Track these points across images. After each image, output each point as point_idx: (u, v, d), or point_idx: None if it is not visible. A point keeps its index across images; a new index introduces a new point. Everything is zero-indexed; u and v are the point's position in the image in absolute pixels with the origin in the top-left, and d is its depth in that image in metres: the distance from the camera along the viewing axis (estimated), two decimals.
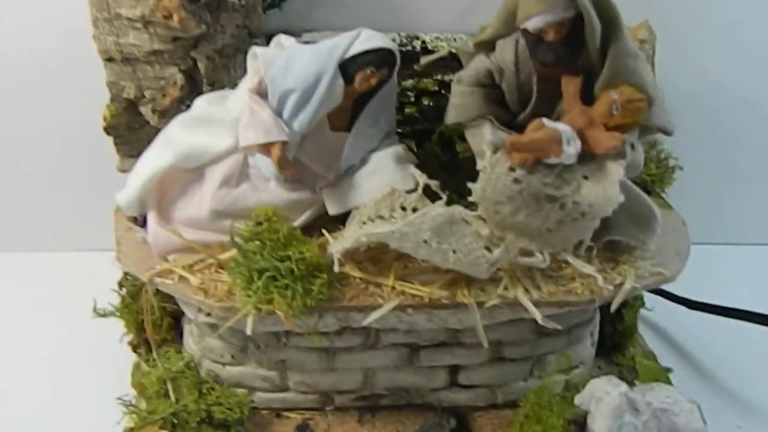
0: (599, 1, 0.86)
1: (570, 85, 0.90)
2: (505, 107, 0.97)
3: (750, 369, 1.25)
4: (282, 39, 1.03)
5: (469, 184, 0.90)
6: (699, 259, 1.35)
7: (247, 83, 1.01)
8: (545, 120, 0.89)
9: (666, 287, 1.30)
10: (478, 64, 0.97)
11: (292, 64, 0.96)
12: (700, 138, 1.50)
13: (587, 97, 0.90)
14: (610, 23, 0.87)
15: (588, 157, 0.88)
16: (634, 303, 1.18)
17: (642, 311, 1.30)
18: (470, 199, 0.91)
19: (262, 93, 0.97)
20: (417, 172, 0.97)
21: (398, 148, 1.04)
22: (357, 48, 0.95)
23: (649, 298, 1.28)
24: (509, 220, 0.90)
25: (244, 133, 0.95)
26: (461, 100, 0.97)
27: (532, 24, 0.87)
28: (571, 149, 0.86)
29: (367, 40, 0.96)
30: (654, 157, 1.18)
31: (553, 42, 0.88)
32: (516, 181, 0.88)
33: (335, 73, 0.94)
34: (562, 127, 0.87)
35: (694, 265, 1.21)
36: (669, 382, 1.15)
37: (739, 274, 1.51)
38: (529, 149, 0.87)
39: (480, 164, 0.90)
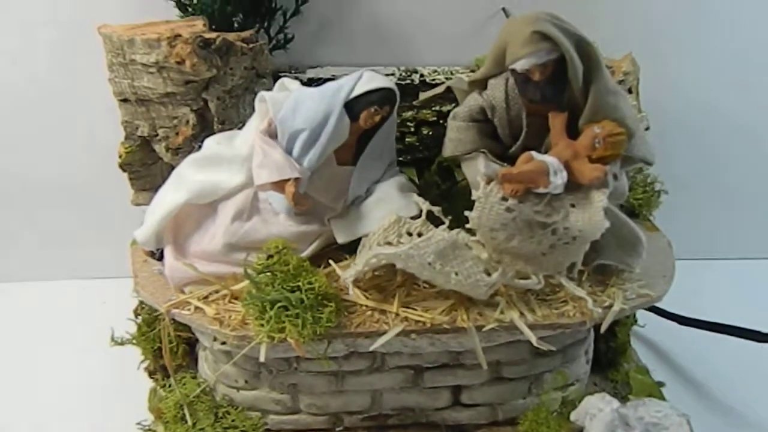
0: (580, 44, 0.92)
1: (556, 121, 0.96)
2: (498, 140, 1.02)
3: (738, 381, 1.29)
4: (286, 82, 1.09)
5: (466, 213, 0.95)
6: (689, 275, 1.40)
7: (255, 124, 1.06)
8: (534, 153, 0.94)
9: (658, 304, 1.37)
10: (472, 101, 1.03)
11: (301, 106, 1.01)
12: (688, 157, 1.56)
13: (572, 131, 0.96)
14: (591, 64, 0.93)
15: (574, 186, 0.94)
16: (626, 321, 1.23)
17: (636, 328, 1.34)
18: (468, 226, 0.96)
19: (272, 134, 1.02)
20: (420, 200, 1.02)
21: (401, 178, 1.10)
22: (360, 88, 1.01)
23: (642, 315, 1.33)
24: (504, 245, 0.96)
25: (258, 173, 1.00)
26: (457, 135, 1.03)
27: (520, 65, 0.93)
28: (558, 180, 0.92)
29: (369, 80, 1.02)
30: (641, 181, 1.23)
31: (539, 81, 0.93)
32: (508, 209, 0.93)
33: (341, 113, 1.00)
34: (549, 159, 0.93)
35: (684, 281, 1.26)
36: (662, 396, 1.20)
37: (728, 289, 1.55)
38: (519, 180, 0.92)
39: (475, 194, 0.95)
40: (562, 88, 0.94)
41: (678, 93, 1.48)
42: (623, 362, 1.24)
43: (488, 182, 0.94)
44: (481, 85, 1.03)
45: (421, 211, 1.02)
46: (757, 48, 1.48)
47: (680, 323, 1.34)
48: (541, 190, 0.93)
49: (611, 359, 1.22)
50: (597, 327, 1.13)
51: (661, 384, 1.25)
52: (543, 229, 0.94)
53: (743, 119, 1.55)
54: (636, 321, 1.30)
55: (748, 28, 1.46)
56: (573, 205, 0.94)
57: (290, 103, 1.02)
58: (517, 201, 0.93)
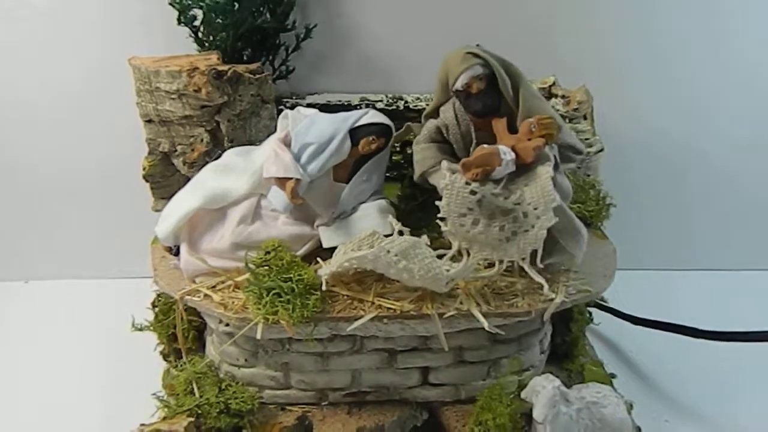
0: (504, 64, 1.10)
1: (499, 124, 1.11)
2: (456, 157, 1.16)
3: (679, 372, 1.41)
4: (301, 109, 1.25)
5: (436, 202, 1.07)
6: (643, 283, 1.56)
7: (275, 135, 1.20)
8: (485, 145, 1.09)
9: (614, 306, 1.49)
10: (429, 125, 1.18)
11: (315, 124, 1.17)
12: (640, 176, 1.69)
13: (513, 132, 1.11)
14: (515, 76, 1.10)
15: (523, 169, 1.07)
16: (580, 318, 1.32)
17: (596, 327, 1.47)
18: (438, 216, 1.07)
19: (286, 143, 1.17)
20: (394, 221, 1.14)
21: (382, 202, 1.22)
22: (364, 120, 1.17)
23: (600, 316, 1.47)
24: (472, 232, 1.06)
25: (268, 167, 1.13)
26: (421, 155, 1.17)
27: (460, 82, 1.09)
28: (508, 157, 1.06)
29: (372, 116, 1.19)
30: (594, 196, 1.35)
31: (477, 93, 1.10)
32: (472, 192, 1.05)
33: (345, 136, 1.16)
34: (498, 146, 1.08)
35: (638, 288, 1.41)
36: (611, 385, 1.28)
37: (674, 296, 1.68)
38: (477, 164, 1.06)
39: (442, 184, 1.07)
40: (497, 98, 1.11)
41: (630, 118, 1.61)
42: (578, 355, 1.33)
43: (453, 173, 1.07)
44: (433, 115, 1.19)
45: (393, 230, 1.12)
46: (701, 76, 1.61)
47: (633, 323, 1.47)
48: (497, 172, 1.06)
49: (566, 351, 1.32)
50: (555, 322, 1.28)
51: (612, 376, 1.35)
52: (504, 216, 1.06)
53: (689, 141, 1.67)
54: (592, 320, 1.42)
55: (692, 59, 1.59)
56: (526, 185, 1.06)
57: (307, 122, 1.19)
58: (478, 184, 1.06)
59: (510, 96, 1.10)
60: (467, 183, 1.07)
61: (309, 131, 1.17)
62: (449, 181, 1.07)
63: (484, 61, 1.09)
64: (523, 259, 1.09)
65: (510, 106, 1.11)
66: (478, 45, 1.48)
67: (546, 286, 1.09)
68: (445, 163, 1.12)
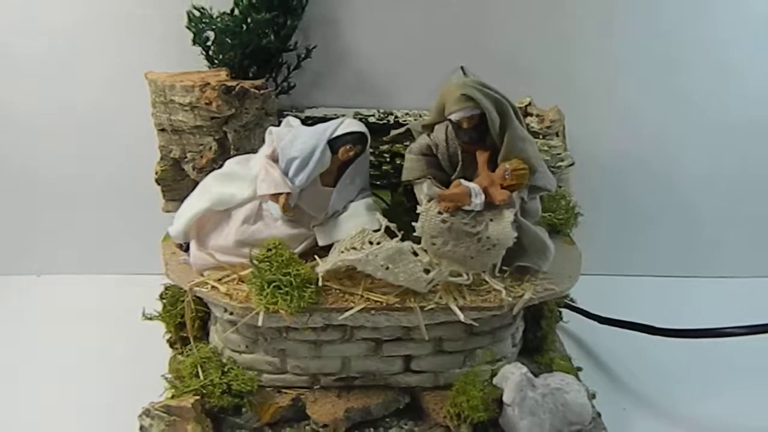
0: (497, 103, 1.19)
1: (481, 157, 1.20)
2: (442, 170, 1.26)
3: (637, 365, 1.52)
4: (290, 120, 1.34)
5: (413, 223, 1.17)
6: (608, 287, 1.68)
7: (264, 151, 1.30)
8: (462, 180, 1.20)
9: (582, 306, 1.61)
10: (422, 140, 1.28)
11: (297, 140, 1.25)
12: (604, 189, 1.81)
13: (494, 165, 1.20)
14: (505, 117, 1.18)
15: (492, 206, 1.18)
16: (550, 316, 1.43)
17: (566, 325, 1.59)
18: (414, 234, 1.18)
19: (274, 158, 1.25)
20: (381, 217, 1.22)
21: (369, 200, 1.30)
22: (341, 130, 1.25)
23: (569, 315, 1.58)
24: (442, 250, 1.17)
25: (260, 186, 1.23)
26: (410, 165, 1.26)
27: (453, 117, 1.20)
28: (477, 200, 1.16)
29: (348, 125, 1.26)
30: (564, 206, 1.47)
31: (467, 128, 1.20)
32: (443, 221, 1.16)
33: (325, 147, 1.23)
34: (472, 185, 1.17)
35: (603, 291, 1.53)
36: (577, 377, 1.38)
37: (635, 298, 1.80)
38: (450, 200, 1.16)
39: (419, 209, 1.18)
40: (484, 133, 1.19)
41: (596, 138, 1.74)
42: (548, 349, 1.43)
43: (429, 200, 1.20)
44: (430, 128, 1.30)
45: (381, 225, 1.21)
46: (657, 100, 1.74)
47: (599, 322, 1.58)
48: (466, 207, 1.18)
49: (537, 346, 1.40)
50: (526, 319, 1.39)
51: (579, 369, 1.42)
52: (470, 238, 1.16)
53: (649, 164, 1.80)
54: (561, 318, 1.54)
55: (648, 88, 1.73)
56: (491, 220, 1.17)
57: (290, 137, 1.26)
58: (449, 214, 1.17)
59: (496, 134, 1.19)
60: (439, 212, 1.18)
61: (293, 146, 1.23)
62: (424, 209, 1.18)
63: (476, 103, 1.16)
64: (485, 271, 1.20)
65: (495, 141, 1.21)
66: (462, 67, 1.63)
67: (504, 292, 1.18)
68: (426, 186, 1.24)
